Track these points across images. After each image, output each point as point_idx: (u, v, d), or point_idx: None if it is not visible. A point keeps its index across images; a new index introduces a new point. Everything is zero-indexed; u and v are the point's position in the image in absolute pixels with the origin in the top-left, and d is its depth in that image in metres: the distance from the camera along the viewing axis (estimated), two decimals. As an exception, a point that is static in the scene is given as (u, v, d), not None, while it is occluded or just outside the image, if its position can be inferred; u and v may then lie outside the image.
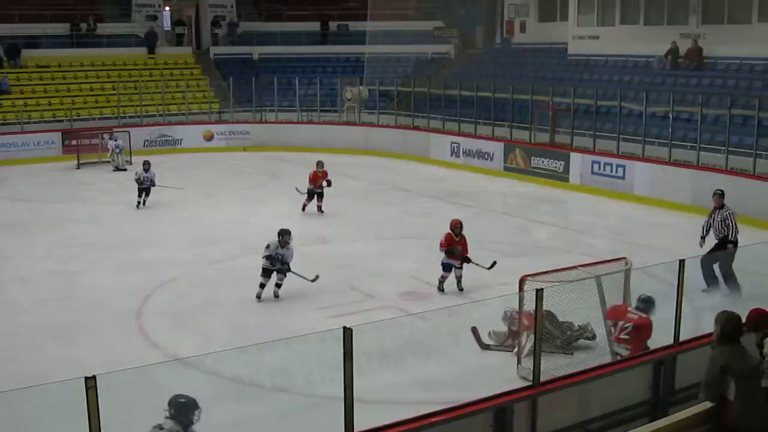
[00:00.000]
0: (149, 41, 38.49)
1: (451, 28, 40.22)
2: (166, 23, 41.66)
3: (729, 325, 7.34)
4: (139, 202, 22.82)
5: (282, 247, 14.89)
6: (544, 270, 12.05)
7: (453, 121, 31.24)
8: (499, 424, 8.36)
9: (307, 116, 35.80)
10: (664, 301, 10.46)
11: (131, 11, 40.03)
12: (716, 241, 15.26)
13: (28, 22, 36.61)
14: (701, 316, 11.29)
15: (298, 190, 22.28)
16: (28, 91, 34.58)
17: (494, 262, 15.33)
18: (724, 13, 28.75)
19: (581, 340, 12.10)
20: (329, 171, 22.33)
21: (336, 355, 7.26)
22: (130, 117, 34.20)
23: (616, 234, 20.20)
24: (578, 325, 12.11)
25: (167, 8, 41.77)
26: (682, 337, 9.87)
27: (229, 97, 35.86)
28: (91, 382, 6.21)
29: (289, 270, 14.89)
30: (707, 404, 7.44)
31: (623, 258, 12.35)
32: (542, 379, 8.91)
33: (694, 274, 10.36)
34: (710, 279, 14.72)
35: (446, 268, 15.27)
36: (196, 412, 7.41)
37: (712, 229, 15.42)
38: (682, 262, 9.82)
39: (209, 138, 34.57)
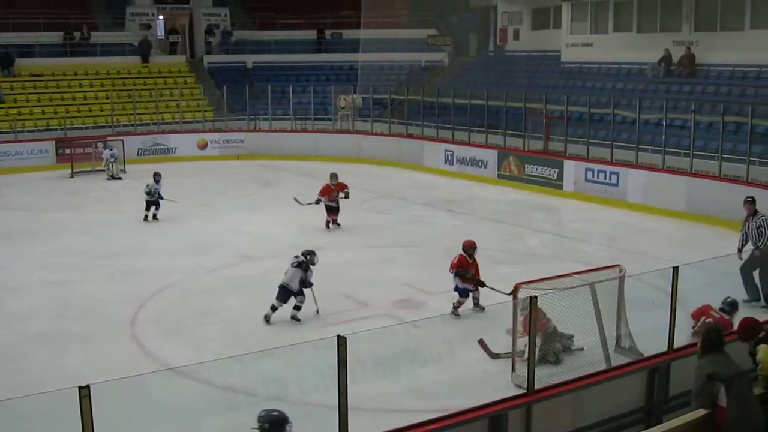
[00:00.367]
0: (143, 50, 38.51)
1: (445, 36, 40.33)
2: (160, 32, 41.75)
3: (711, 335, 7.57)
4: (147, 215, 22.29)
5: (308, 269, 14.40)
6: (539, 277, 12.07)
7: (447, 129, 31.27)
8: (494, 432, 8.37)
9: (301, 124, 35.81)
10: (658, 308, 10.47)
11: (125, 20, 40.10)
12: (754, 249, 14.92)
13: (22, 31, 36.58)
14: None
15: (297, 201, 21.80)
16: (21, 100, 34.56)
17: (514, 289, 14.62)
18: (716, 20, 28.84)
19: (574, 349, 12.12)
20: (345, 182, 21.79)
21: (330, 364, 7.27)
22: (123, 126, 34.21)
23: (610, 241, 20.20)
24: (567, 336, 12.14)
25: (161, 17, 41.85)
26: (677, 344, 9.90)
27: (223, 106, 35.90)
28: (84, 391, 6.21)
29: (310, 285, 14.35)
30: (701, 411, 7.48)
31: (617, 265, 12.34)
32: (537, 386, 8.92)
33: (687, 281, 10.34)
34: (750, 289, 14.56)
35: (463, 293, 14.31)
36: (287, 426, 7.24)
37: (749, 238, 15.01)
38: (675, 269, 9.85)
39: (203, 146, 34.57)
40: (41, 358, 12.64)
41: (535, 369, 8.99)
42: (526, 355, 10.69)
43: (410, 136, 32.85)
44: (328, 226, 21.21)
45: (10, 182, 28.63)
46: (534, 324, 9.21)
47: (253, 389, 10.37)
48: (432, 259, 17.27)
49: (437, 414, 8.17)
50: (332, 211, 21.31)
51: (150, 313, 14.81)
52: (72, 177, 29.84)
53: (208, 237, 20.59)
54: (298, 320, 14.10)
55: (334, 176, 21.54)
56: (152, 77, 37.84)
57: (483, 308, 14.26)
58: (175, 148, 34.05)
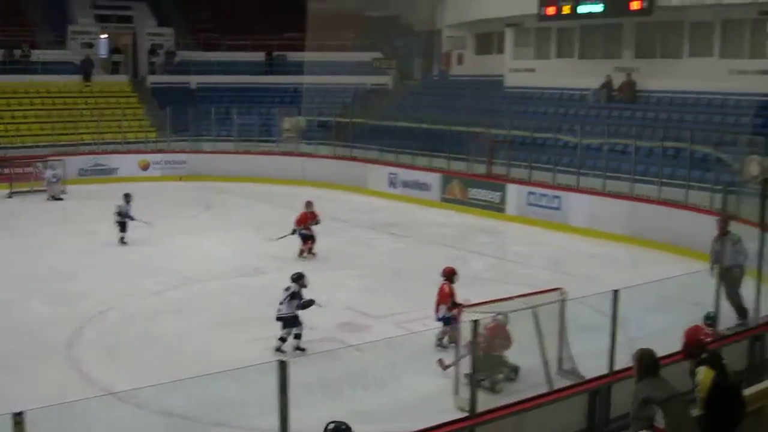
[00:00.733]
0: (85, 69, 38.10)
1: (390, 59, 40.47)
2: (103, 51, 41.29)
3: (645, 361, 7.64)
4: (123, 237, 21.86)
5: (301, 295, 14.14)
6: (482, 300, 12.10)
7: (391, 152, 31.36)
8: (437, 456, 8.35)
9: (245, 146, 35.63)
10: (600, 331, 10.55)
11: (66, 38, 39.61)
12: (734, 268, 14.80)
13: (-39, 48, 36.01)
14: (637, 345, 11.41)
15: (273, 239, 20.89)
16: (-41, 118, 33.97)
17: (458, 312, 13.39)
18: (656, 47, 29.36)
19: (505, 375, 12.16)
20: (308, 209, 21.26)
21: (273, 388, 7.20)
22: (64, 145, 33.70)
23: (553, 264, 20.36)
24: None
25: (104, 36, 41.42)
26: (617, 366, 9.98)
27: (166, 126, 35.62)
28: (18, 418, 6.06)
29: (312, 303, 14.07)
30: (641, 432, 7.54)
31: (559, 288, 12.43)
32: (479, 409, 8.92)
33: (627, 303, 10.45)
34: (741, 309, 14.32)
35: (447, 322, 13.69)
36: None
37: (724, 256, 14.77)
38: (616, 293, 9.94)
39: (145, 167, 34.24)
40: (-26, 382, 12.35)
41: (477, 392, 8.99)
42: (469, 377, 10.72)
43: (354, 158, 32.87)
44: (302, 255, 20.60)
45: (-55, 202, 28.08)
46: (476, 347, 9.21)
47: (194, 414, 10.24)
48: (375, 282, 17.27)
49: (380, 438, 8.14)
50: (308, 239, 20.78)
51: (89, 337, 14.57)
52: (10, 197, 29.31)
53: (149, 259, 20.36)
54: (303, 350, 13.72)
55: (309, 204, 21.16)
56: (94, 96, 37.40)
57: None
58: (117, 169, 33.66)
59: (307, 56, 37.78)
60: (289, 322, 13.87)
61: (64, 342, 14.08)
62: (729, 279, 14.65)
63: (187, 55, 41.14)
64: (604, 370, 10.11)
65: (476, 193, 27.45)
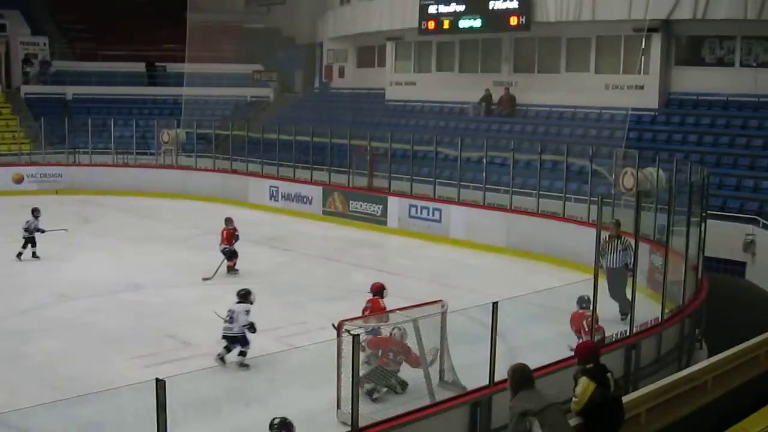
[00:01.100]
0: (-45, 79, 36.86)
1: (271, 72, 40.33)
2: (-26, 60, 40.01)
3: (517, 375, 7.71)
4: (21, 253, 21.05)
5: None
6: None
7: (272, 165, 31.14)
8: (319, 471, 8.30)
9: (123, 159, 34.84)
10: (480, 343, 10.66)
11: (-66, 47, 38.27)
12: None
13: None
14: (517, 355, 11.60)
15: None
16: None
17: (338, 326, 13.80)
18: (534, 62, 30.01)
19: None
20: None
21: (151, 407, 7.03)
22: (-69, 158, 32.51)
23: (434, 276, 20.53)
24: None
25: (-25, 44, 40.15)
26: (498, 377, 10.09)
27: (41, 139, 34.56)
28: None
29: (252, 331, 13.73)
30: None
31: (440, 300, 12.52)
32: (362, 423, 8.90)
33: (508, 314, 10.61)
34: (625, 306, 14.84)
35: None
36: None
37: (611, 256, 15.78)
38: (495, 304, 10.07)
39: (19, 181, 33.15)
40: None
41: (359, 406, 8.97)
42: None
43: (235, 171, 32.54)
44: (230, 271, 20.13)
45: None
46: (357, 363, 9.18)
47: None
48: (257, 296, 17.07)
49: (261, 455, 8.04)
50: (234, 255, 20.34)
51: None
52: None
53: (21, 276, 19.72)
54: (247, 366, 13.29)
55: (229, 220, 20.83)
56: (-36, 108, 36.22)
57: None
58: (-11, 182, 32.57)
59: (187, 67, 37.23)
60: (237, 340, 13.58)
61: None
62: (614, 277, 15.25)
63: (62, 65, 40.16)
64: (485, 381, 10.21)
65: (357, 206, 27.49)
